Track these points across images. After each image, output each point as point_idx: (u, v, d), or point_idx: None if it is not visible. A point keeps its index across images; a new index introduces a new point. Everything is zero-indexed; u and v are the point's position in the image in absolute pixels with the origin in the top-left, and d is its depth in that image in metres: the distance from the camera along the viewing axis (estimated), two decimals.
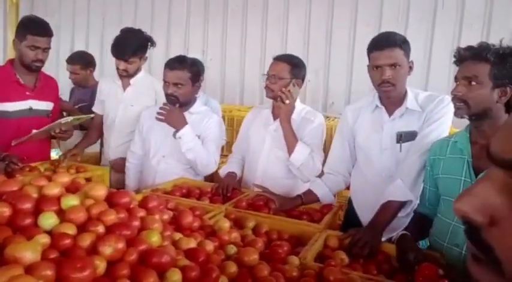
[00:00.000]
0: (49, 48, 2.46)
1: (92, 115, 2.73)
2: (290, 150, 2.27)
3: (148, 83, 2.78)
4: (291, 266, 1.42)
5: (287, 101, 2.21)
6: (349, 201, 2.21)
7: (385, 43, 1.82)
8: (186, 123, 2.36)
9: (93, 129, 2.88)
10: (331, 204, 2.16)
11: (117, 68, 2.66)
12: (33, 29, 2.38)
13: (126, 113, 2.72)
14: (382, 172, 1.98)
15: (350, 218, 2.15)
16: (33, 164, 2.34)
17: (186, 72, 2.35)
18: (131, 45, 2.60)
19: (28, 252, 0.96)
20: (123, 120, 2.72)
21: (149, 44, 2.69)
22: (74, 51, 4.03)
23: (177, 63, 2.35)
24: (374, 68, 1.87)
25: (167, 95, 2.38)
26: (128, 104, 2.72)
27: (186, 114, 2.47)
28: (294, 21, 4.33)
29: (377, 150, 1.98)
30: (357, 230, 1.76)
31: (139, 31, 2.69)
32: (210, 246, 1.43)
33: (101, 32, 5.04)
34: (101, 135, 2.92)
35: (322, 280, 1.36)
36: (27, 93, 2.50)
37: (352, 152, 2.12)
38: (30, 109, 2.50)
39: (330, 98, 4.23)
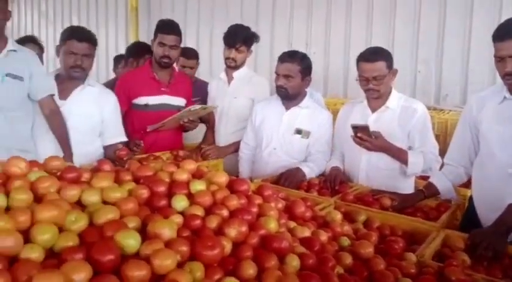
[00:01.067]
0: (177, 46, 2.68)
1: (217, 105, 2.89)
2: (402, 162, 2.27)
3: (249, 78, 2.91)
4: (408, 262, 1.38)
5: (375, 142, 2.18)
6: (469, 200, 2.06)
7: (507, 33, 1.66)
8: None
9: (212, 125, 3.03)
10: (449, 202, 2.04)
11: (227, 58, 2.80)
12: (162, 28, 2.66)
13: (231, 104, 2.86)
14: (505, 168, 1.81)
15: (470, 218, 2.00)
16: (156, 154, 2.56)
17: (296, 65, 2.39)
18: (241, 35, 2.74)
19: (166, 229, 1.07)
20: (229, 111, 2.87)
21: (254, 39, 2.82)
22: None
23: (288, 56, 2.41)
24: (497, 59, 1.72)
25: (277, 87, 2.45)
26: (232, 96, 2.87)
27: (296, 108, 2.52)
28: (402, 12, 4.12)
29: (500, 143, 1.82)
30: (479, 230, 1.64)
31: (247, 27, 2.83)
32: (323, 236, 1.44)
33: (210, 29, 5.32)
34: None
35: (443, 280, 1.30)
36: (162, 88, 2.76)
37: (475, 143, 1.98)
38: (165, 104, 2.75)
39: (443, 90, 3.95)
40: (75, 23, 6.52)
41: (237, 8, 5.11)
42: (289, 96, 2.47)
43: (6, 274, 0.82)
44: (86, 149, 2.37)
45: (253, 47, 2.93)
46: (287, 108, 2.55)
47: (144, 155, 2.44)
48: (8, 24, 2.30)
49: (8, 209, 1.06)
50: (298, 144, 2.52)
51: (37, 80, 2.29)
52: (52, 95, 2.31)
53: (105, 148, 2.50)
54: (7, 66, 2.21)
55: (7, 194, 1.10)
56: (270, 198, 1.55)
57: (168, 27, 2.67)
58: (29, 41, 3.28)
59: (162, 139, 2.80)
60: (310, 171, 2.41)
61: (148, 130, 2.69)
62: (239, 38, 2.73)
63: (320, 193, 2.20)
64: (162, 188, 1.31)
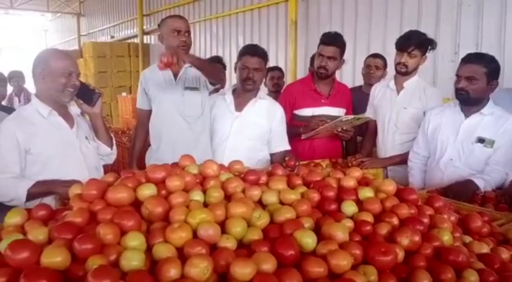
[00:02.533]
0: (334, 57, 2.76)
1: (370, 117, 2.88)
2: None
3: (421, 88, 2.74)
4: None
5: None
6: None
7: None
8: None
9: (372, 134, 2.99)
10: None
11: (397, 64, 2.70)
12: (323, 39, 2.76)
13: (400, 115, 2.75)
14: None
15: None
16: (316, 161, 2.67)
17: (482, 67, 2.19)
18: (415, 39, 2.62)
19: (339, 232, 1.13)
20: (397, 122, 2.76)
21: (429, 46, 2.64)
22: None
23: (474, 57, 2.22)
24: None
25: (457, 90, 2.24)
26: (401, 106, 2.76)
27: (477, 115, 2.31)
28: None
29: None
30: None
31: (423, 32, 2.68)
32: (505, 254, 1.32)
33: (367, 41, 5.27)
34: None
35: None
36: (323, 100, 2.88)
37: None
38: (325, 115, 2.81)
39: None
40: (240, 42, 7.17)
41: (395, 22, 4.93)
42: (469, 101, 2.27)
43: (209, 258, 0.98)
44: (256, 154, 2.61)
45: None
46: (467, 115, 2.35)
47: (305, 162, 2.57)
48: None
49: (204, 204, 1.26)
50: (480, 154, 2.29)
51: None
52: None
53: (271, 155, 2.71)
54: (186, 81, 2.59)
55: (204, 191, 1.31)
56: (442, 209, 1.49)
57: (327, 38, 2.76)
58: (215, 60, 3.73)
59: (320, 146, 2.88)
60: (485, 184, 2.19)
61: (302, 138, 2.80)
62: (412, 42, 2.61)
63: (497, 208, 1.99)
64: (331, 193, 1.38)
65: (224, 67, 3.77)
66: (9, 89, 5.11)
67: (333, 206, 1.33)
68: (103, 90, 2.49)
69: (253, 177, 1.44)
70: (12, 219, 1.20)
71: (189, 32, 2.57)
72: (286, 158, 2.32)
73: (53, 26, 16.98)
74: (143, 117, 2.76)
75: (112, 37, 11.48)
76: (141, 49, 9.47)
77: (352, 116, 2.68)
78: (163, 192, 1.27)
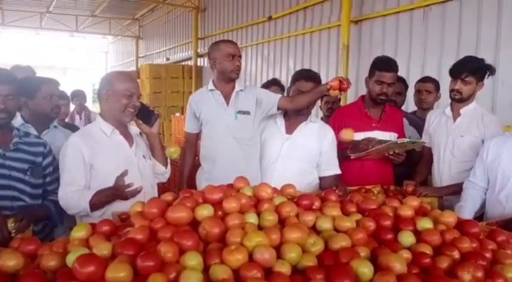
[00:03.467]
0: (394, 83, 2.72)
1: (426, 141, 2.80)
2: None
3: (478, 114, 2.64)
4: None
5: None
6: None
7: None
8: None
9: (427, 161, 2.90)
10: None
11: (451, 91, 2.62)
12: (381, 65, 2.73)
13: (456, 143, 2.65)
14: None
15: None
16: (367, 187, 2.61)
17: None
18: (469, 65, 2.54)
19: (397, 263, 1.10)
20: (453, 150, 2.66)
21: (488, 72, 2.55)
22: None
23: None
24: None
25: None
26: (457, 134, 2.66)
27: None
28: None
29: None
30: None
31: (480, 58, 2.60)
32: None
33: (422, 63, 5.16)
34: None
35: None
36: (373, 124, 2.84)
37: None
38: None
39: None
40: (291, 65, 7.25)
41: (452, 47, 4.81)
42: None
43: None
44: (306, 178, 2.60)
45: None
46: None
47: (355, 187, 2.52)
48: None
49: (259, 227, 1.28)
50: None
51: (266, 97, 2.66)
52: (282, 96, 2.69)
53: (321, 178, 2.69)
54: (238, 104, 2.64)
55: (258, 214, 1.33)
56: (505, 244, 1.41)
57: (387, 64, 2.74)
58: (272, 83, 3.76)
59: (371, 170, 2.81)
60: None
61: (352, 157, 2.75)
62: (466, 68, 2.52)
63: None
64: (388, 222, 1.35)
65: (282, 89, 3.80)
66: (72, 107, 5.44)
67: (390, 236, 1.30)
68: (157, 109, 2.60)
69: (307, 202, 1.45)
70: (78, 233, 1.27)
71: (240, 56, 2.66)
72: (335, 189, 2.28)
73: (113, 48, 18.00)
74: (192, 140, 2.81)
75: (167, 59, 11.99)
76: (195, 71, 9.81)
77: (407, 139, 2.61)
78: (220, 213, 1.30)
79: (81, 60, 22.06)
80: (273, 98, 2.64)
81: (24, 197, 1.96)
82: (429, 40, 5.06)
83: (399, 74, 2.89)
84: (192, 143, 2.84)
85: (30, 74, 3.02)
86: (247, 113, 2.65)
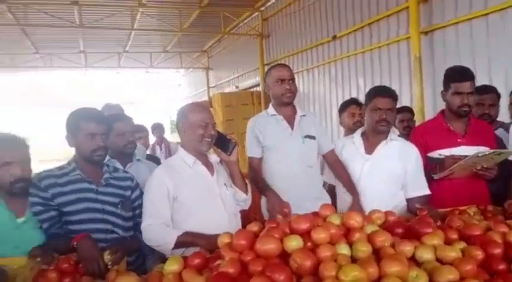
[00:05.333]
0: (473, 92, 2.54)
1: None
2: None
3: None
4: None
5: None
6: None
7: None
8: None
9: None
10: None
11: None
12: (455, 76, 2.56)
13: None
14: None
15: None
16: (461, 208, 2.40)
17: None
18: None
19: None
20: None
21: None
22: None
23: None
24: None
25: None
26: None
27: None
28: None
29: None
30: None
31: None
32: None
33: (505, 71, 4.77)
34: None
35: None
36: (459, 139, 2.64)
37: None
38: (463, 156, 2.50)
39: None
40: (361, 83, 7.08)
41: None
42: None
43: None
44: (391, 200, 2.46)
45: None
46: None
47: (447, 209, 2.33)
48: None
49: (352, 259, 1.21)
50: None
51: (323, 138, 2.72)
52: (333, 149, 2.70)
53: (408, 201, 2.53)
54: (303, 129, 2.65)
55: (349, 244, 1.26)
56: None
57: (461, 74, 2.55)
58: (351, 103, 3.58)
59: (462, 189, 2.58)
60: None
61: (435, 178, 2.56)
62: None
63: None
64: (497, 250, 1.22)
65: (360, 107, 3.67)
66: (152, 139, 5.74)
67: (502, 266, 1.16)
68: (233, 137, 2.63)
69: (401, 229, 1.35)
70: (171, 266, 1.29)
71: (293, 79, 2.66)
72: (417, 206, 2.13)
73: (186, 80, 18.92)
74: (256, 165, 2.78)
75: (237, 87, 12.33)
76: (263, 97, 9.96)
77: (490, 150, 2.38)
78: (309, 244, 1.26)
79: (157, 93, 23.49)
80: (326, 143, 2.74)
81: (117, 229, 2.06)
82: (510, 45, 4.69)
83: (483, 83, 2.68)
84: (256, 168, 2.81)
85: (119, 112, 3.23)
86: (312, 137, 2.68)
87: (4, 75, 15.93)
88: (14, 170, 1.86)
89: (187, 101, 14.76)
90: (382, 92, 2.53)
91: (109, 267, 1.73)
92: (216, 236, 1.64)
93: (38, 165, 2.09)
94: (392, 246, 1.25)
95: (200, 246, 1.92)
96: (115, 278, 1.43)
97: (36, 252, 1.78)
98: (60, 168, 2.08)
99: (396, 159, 2.50)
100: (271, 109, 2.74)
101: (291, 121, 2.67)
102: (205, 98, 14.24)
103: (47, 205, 1.95)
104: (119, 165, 2.50)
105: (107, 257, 1.76)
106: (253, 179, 2.69)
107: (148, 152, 4.70)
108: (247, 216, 2.53)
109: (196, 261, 1.32)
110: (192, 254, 1.38)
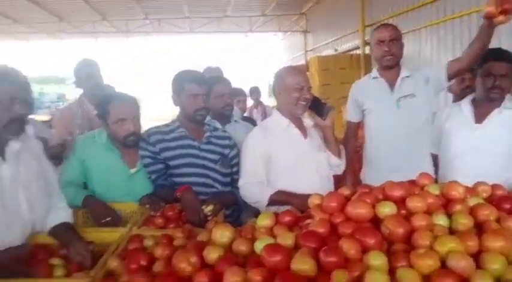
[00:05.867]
0: None
1: None
2: None
3: None
4: None
5: None
6: None
7: None
8: None
9: None
10: None
11: None
12: None
13: None
14: None
15: None
16: None
17: None
18: None
19: None
20: None
21: None
22: None
23: None
24: None
25: None
26: None
27: None
28: None
29: None
30: None
31: None
32: None
33: None
34: None
35: None
36: None
37: None
38: None
39: None
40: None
41: None
42: None
43: None
44: (502, 175, 2.24)
45: None
46: None
47: None
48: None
49: (450, 231, 1.15)
50: None
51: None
52: None
53: None
54: (402, 90, 2.46)
55: (448, 215, 1.20)
56: None
57: None
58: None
59: None
60: None
61: None
62: None
63: None
64: None
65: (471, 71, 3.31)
66: (249, 102, 5.91)
67: None
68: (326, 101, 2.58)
69: (509, 205, 1.24)
70: (263, 221, 1.35)
71: (395, 40, 2.44)
72: None
73: (284, 44, 18.84)
74: (353, 129, 2.74)
75: (335, 50, 11.96)
76: (363, 60, 9.54)
77: None
78: (403, 211, 1.22)
79: (255, 58, 23.87)
80: (439, 70, 2.42)
81: (216, 184, 2.20)
82: None
83: None
84: (352, 133, 2.76)
85: (219, 74, 3.36)
86: (410, 95, 2.45)
87: (119, 40, 17.26)
88: (128, 125, 2.06)
89: (285, 65, 14.73)
90: (495, 55, 2.25)
91: (208, 218, 1.87)
92: (309, 196, 1.67)
93: (148, 123, 2.28)
94: (498, 221, 1.15)
95: (292, 205, 1.96)
96: (213, 227, 1.54)
97: (145, 200, 1.98)
98: (167, 125, 2.25)
99: (510, 130, 2.26)
100: (374, 72, 2.63)
101: (392, 84, 2.52)
102: (303, 62, 14.08)
103: (155, 158, 2.14)
104: (218, 125, 2.62)
105: (206, 208, 1.90)
106: (344, 143, 2.65)
107: (245, 115, 4.86)
108: (341, 181, 2.52)
109: (287, 218, 1.36)
110: (283, 211, 1.42)
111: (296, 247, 1.15)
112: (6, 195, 1.53)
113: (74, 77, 3.01)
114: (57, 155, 2.13)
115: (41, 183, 1.68)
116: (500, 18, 1.86)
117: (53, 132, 2.89)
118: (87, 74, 2.93)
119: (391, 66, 2.50)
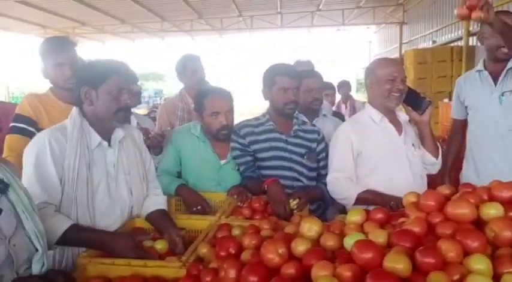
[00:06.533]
0: None
1: None
2: None
3: None
4: None
5: None
6: None
7: None
8: None
9: None
10: None
11: None
12: None
13: None
14: None
15: None
16: None
17: None
18: None
19: None
20: None
21: None
22: None
23: None
24: None
25: None
26: None
27: None
28: None
29: None
30: None
31: None
32: None
33: None
34: None
35: None
36: None
37: None
38: None
39: None
40: None
41: None
42: None
43: None
44: None
45: None
46: None
47: None
48: None
49: None
50: None
51: None
52: None
53: None
54: (507, 84, 2.21)
55: None
56: None
57: None
58: None
59: None
60: None
61: None
62: None
63: None
64: None
65: None
66: (338, 96, 5.76)
67: None
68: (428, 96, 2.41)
69: None
70: (354, 217, 1.30)
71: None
72: None
73: (377, 37, 18.12)
74: (457, 127, 2.56)
75: (434, 42, 11.20)
76: (465, 52, 8.78)
77: None
78: (511, 214, 1.10)
79: (345, 52, 23.28)
80: None
81: (302, 178, 2.18)
82: None
83: None
84: (457, 131, 2.57)
85: (310, 67, 3.32)
86: None
87: (213, 38, 17.93)
88: (221, 119, 2.13)
89: (377, 58, 14.09)
90: None
91: (294, 212, 1.86)
92: (397, 198, 1.58)
93: (238, 117, 2.34)
94: None
95: (379, 205, 1.89)
96: (300, 221, 1.53)
97: (233, 191, 2.04)
98: (256, 118, 2.28)
99: None
100: (480, 64, 2.39)
101: (497, 77, 2.27)
102: (396, 56, 13.42)
103: (244, 150, 2.18)
104: (305, 119, 2.60)
105: (292, 202, 1.89)
106: (447, 142, 2.46)
107: (333, 109, 4.75)
108: (434, 181, 2.36)
109: (379, 215, 1.30)
110: (375, 208, 1.36)
111: (388, 246, 1.09)
112: (110, 179, 1.67)
113: (177, 71, 3.14)
114: (157, 144, 2.28)
115: (140, 170, 1.80)
116: (474, 15, 1.76)
117: (154, 123, 3.09)
118: (192, 69, 3.05)
119: (504, 59, 2.24)
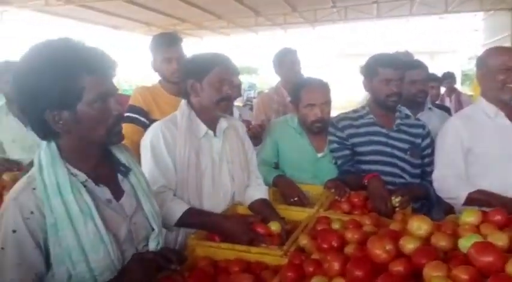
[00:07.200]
0: None
1: None
2: None
3: None
4: None
5: None
6: None
7: None
8: None
9: None
10: None
11: None
12: None
13: None
14: None
15: None
16: None
17: None
18: None
19: None
20: None
21: None
22: None
23: None
24: None
25: None
26: None
27: None
28: None
29: None
30: None
31: None
32: None
33: None
34: None
35: None
36: None
37: None
38: None
39: None
40: None
41: None
42: None
43: None
44: None
45: None
46: None
47: None
48: None
49: None
50: None
51: None
52: None
53: None
54: None
55: None
56: None
57: None
58: None
59: None
60: None
61: None
62: None
63: None
64: None
65: None
66: (442, 89, 5.36)
67: None
68: None
69: None
70: (469, 218, 1.22)
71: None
72: None
73: (484, 24, 16.55)
74: None
75: None
76: None
77: None
78: None
79: (448, 42, 21.57)
80: None
81: (405, 174, 2.08)
82: None
83: None
84: None
85: (410, 58, 3.15)
86: None
87: (306, 30, 17.78)
88: (316, 111, 2.10)
89: (483, 48, 12.88)
90: None
91: (396, 209, 1.79)
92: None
93: (335, 111, 2.30)
94: None
95: (493, 206, 1.73)
96: (402, 218, 1.47)
97: (330, 184, 2.00)
98: (355, 111, 2.23)
99: None
100: None
101: None
102: (508, 44, 12.13)
103: (343, 144, 2.14)
104: (409, 113, 2.47)
105: (394, 199, 1.81)
106: None
107: (437, 102, 4.45)
108: None
109: (498, 217, 1.19)
110: (494, 209, 1.26)
111: (509, 250, 1.00)
112: (215, 166, 1.76)
113: (274, 65, 3.19)
114: (256, 135, 2.34)
115: (242, 159, 1.86)
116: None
117: (252, 114, 3.17)
118: (289, 62, 3.08)
119: None
